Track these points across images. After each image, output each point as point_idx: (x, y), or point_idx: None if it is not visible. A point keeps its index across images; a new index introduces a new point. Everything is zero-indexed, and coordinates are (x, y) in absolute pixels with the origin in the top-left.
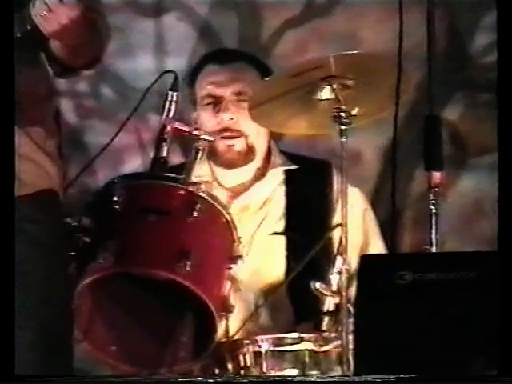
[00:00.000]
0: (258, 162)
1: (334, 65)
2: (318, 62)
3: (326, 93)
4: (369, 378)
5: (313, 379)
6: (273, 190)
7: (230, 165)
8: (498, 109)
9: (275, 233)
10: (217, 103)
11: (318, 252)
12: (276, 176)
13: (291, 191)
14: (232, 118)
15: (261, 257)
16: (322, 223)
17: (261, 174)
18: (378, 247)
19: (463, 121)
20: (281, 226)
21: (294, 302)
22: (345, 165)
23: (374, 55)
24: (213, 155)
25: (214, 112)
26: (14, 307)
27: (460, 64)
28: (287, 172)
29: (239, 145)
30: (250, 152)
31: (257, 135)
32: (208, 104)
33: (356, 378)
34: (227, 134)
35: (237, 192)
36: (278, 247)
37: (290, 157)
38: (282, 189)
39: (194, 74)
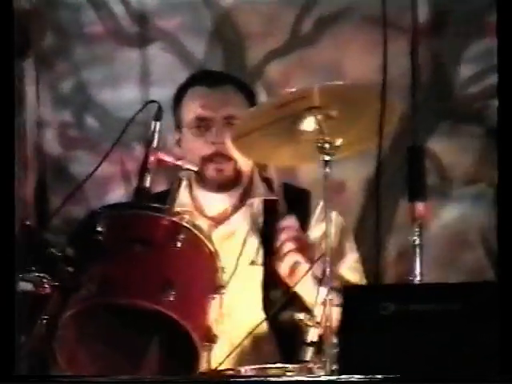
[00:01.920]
0: (241, 188)
1: (318, 96)
2: (302, 92)
3: (309, 124)
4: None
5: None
6: (252, 219)
7: (217, 189)
8: (498, 143)
9: (253, 263)
10: (206, 127)
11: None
12: (255, 205)
13: (270, 220)
14: (222, 143)
15: (240, 287)
16: None
17: (241, 202)
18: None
19: (447, 151)
20: (259, 255)
21: (277, 333)
22: (328, 195)
23: (358, 86)
24: (200, 179)
25: (202, 136)
26: (13, 308)
27: (444, 95)
28: (266, 201)
29: (228, 170)
30: (237, 176)
31: (244, 161)
32: (197, 127)
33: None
34: (217, 158)
35: (218, 221)
36: (257, 277)
37: (271, 185)
38: (261, 219)
39: (179, 94)
